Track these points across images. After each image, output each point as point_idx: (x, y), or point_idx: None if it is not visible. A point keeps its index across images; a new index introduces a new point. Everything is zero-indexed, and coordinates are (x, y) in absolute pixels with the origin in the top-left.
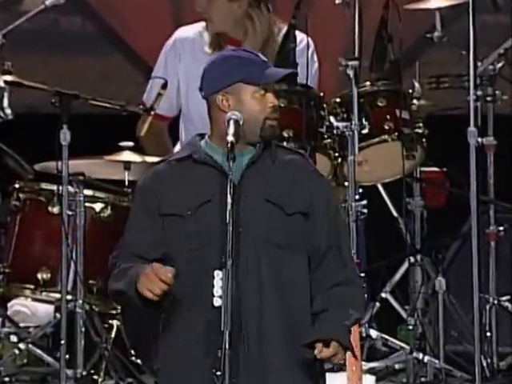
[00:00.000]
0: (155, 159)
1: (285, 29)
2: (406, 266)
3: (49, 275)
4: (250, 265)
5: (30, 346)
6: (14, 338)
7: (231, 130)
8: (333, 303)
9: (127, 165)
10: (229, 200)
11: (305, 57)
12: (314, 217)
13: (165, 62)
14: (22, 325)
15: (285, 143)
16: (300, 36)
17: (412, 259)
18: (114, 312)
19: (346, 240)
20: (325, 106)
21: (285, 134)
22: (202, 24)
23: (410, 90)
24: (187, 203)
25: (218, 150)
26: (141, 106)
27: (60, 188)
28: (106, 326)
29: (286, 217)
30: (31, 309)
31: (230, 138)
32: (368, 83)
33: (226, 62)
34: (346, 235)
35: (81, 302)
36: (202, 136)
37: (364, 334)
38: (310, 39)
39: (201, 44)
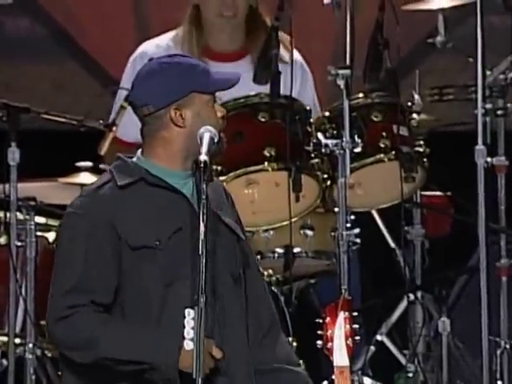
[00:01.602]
0: None
1: None
2: (404, 304)
3: None
4: (226, 302)
5: None
6: None
7: (205, 147)
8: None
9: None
10: (202, 228)
11: (307, 89)
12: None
13: (131, 77)
14: None
15: (266, 163)
16: (294, 56)
17: (411, 296)
18: None
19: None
20: (312, 120)
21: (266, 153)
22: (169, 35)
23: (409, 103)
24: (156, 232)
25: (171, 172)
26: (101, 121)
27: (7, 215)
28: (59, 373)
29: (239, 243)
30: None
31: (204, 157)
32: (361, 95)
33: (172, 70)
34: None
35: (31, 346)
36: (129, 158)
37: (357, 383)
38: (302, 61)
39: None
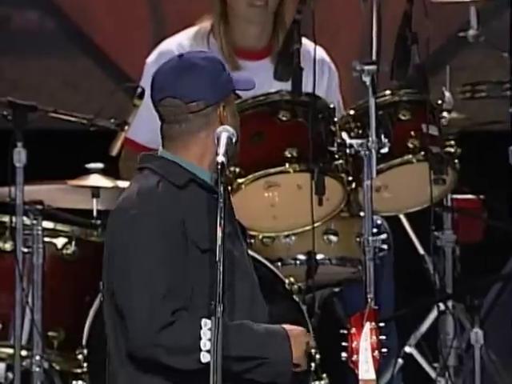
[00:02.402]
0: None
1: None
2: (434, 314)
3: None
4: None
5: None
6: None
7: (222, 148)
8: None
9: (95, 191)
10: (219, 233)
11: (333, 90)
12: None
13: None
14: None
15: (287, 165)
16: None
17: (442, 306)
18: (78, 371)
19: None
20: (336, 119)
21: (287, 154)
22: (190, 33)
23: (439, 101)
24: (214, 236)
25: (206, 174)
26: (112, 120)
27: (13, 219)
28: None
29: (245, 245)
30: None
31: (221, 158)
32: (388, 92)
33: (216, 66)
34: None
35: (38, 358)
36: (161, 157)
37: None
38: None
39: None
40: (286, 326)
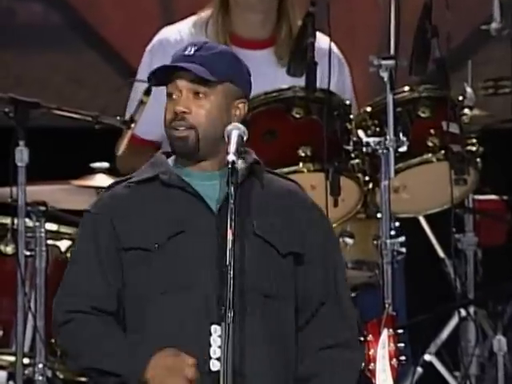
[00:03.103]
0: None
1: None
2: (455, 320)
3: (0, 333)
4: (249, 319)
5: None
6: None
7: (233, 146)
8: (326, 369)
9: (100, 191)
10: (229, 236)
11: (345, 85)
12: (306, 260)
13: (149, 67)
14: None
15: (301, 164)
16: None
17: (463, 312)
18: (83, 379)
19: (347, 289)
20: (352, 116)
21: (300, 153)
22: (190, 21)
23: (461, 97)
24: (153, 234)
25: (193, 172)
26: (118, 118)
27: (15, 221)
28: None
29: (278, 258)
30: None
31: (232, 157)
32: (407, 88)
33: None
34: (345, 283)
35: (41, 366)
36: (168, 154)
37: None
38: (334, 45)
39: None
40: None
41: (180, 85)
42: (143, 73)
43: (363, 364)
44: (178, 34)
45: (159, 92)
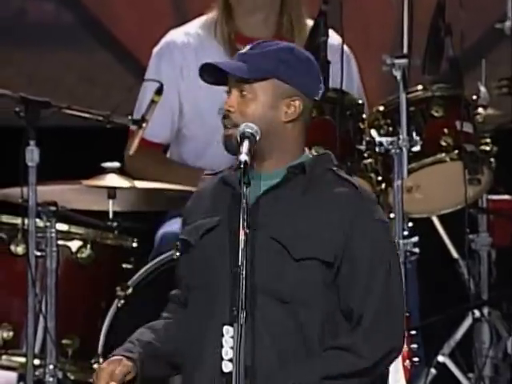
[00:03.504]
0: (148, 185)
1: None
2: (469, 321)
3: (11, 334)
4: (251, 318)
5: None
6: None
7: (245, 146)
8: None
9: (112, 192)
10: (241, 236)
11: (353, 80)
12: (349, 269)
13: (157, 69)
14: None
15: None
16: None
17: (477, 313)
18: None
19: (388, 305)
20: (364, 116)
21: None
22: (198, 22)
23: (474, 96)
24: (195, 229)
25: (254, 172)
26: (130, 117)
27: (25, 221)
28: None
29: (292, 263)
30: None
31: (244, 157)
32: (420, 87)
33: None
34: (400, 297)
35: (52, 367)
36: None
37: None
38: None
39: (205, 51)
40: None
41: (230, 83)
42: (151, 75)
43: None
44: (185, 36)
45: (165, 95)
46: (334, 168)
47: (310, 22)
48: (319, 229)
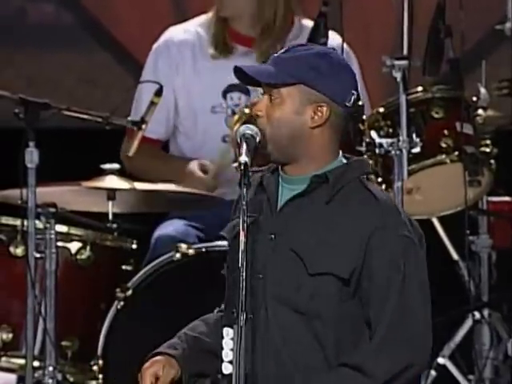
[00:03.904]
0: (148, 186)
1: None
2: (469, 323)
3: (10, 335)
4: (263, 324)
5: None
6: None
7: (245, 147)
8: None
9: (111, 193)
10: (242, 238)
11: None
12: (367, 284)
13: (154, 67)
14: None
15: None
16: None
17: (477, 315)
18: (93, 383)
19: (416, 318)
20: (364, 117)
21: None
22: (198, 21)
23: (475, 98)
24: (234, 227)
25: (283, 176)
26: (129, 118)
27: (25, 223)
28: None
29: (307, 276)
30: None
31: (244, 158)
32: (420, 89)
33: None
34: (420, 312)
35: (51, 369)
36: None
37: None
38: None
39: (202, 48)
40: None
41: (262, 86)
42: (148, 73)
43: None
44: (184, 33)
45: (164, 93)
46: (363, 177)
47: (309, 24)
48: (337, 243)
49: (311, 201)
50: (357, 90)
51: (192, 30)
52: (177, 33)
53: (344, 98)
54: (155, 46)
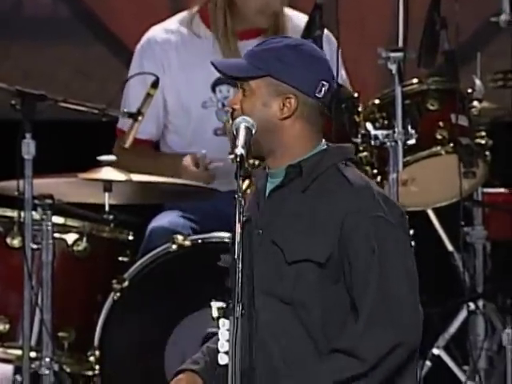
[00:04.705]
0: (144, 178)
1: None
2: (464, 314)
3: (7, 326)
4: (254, 316)
5: None
6: None
7: (241, 139)
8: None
9: (107, 185)
10: (237, 229)
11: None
12: (348, 268)
13: (140, 68)
14: None
15: None
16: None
17: (472, 306)
18: (90, 373)
19: (399, 297)
20: (360, 109)
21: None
22: (177, 18)
23: (470, 90)
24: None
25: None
26: (125, 110)
27: (22, 214)
28: None
29: (287, 266)
30: None
31: (240, 150)
32: (415, 80)
33: None
34: (402, 290)
35: (48, 360)
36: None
37: None
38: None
39: (186, 46)
40: None
41: (238, 81)
42: (134, 71)
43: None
44: (166, 33)
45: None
46: (342, 163)
47: (301, 16)
48: (313, 230)
49: (289, 191)
50: (330, 80)
51: (173, 28)
52: (158, 32)
53: (313, 89)
54: (138, 46)
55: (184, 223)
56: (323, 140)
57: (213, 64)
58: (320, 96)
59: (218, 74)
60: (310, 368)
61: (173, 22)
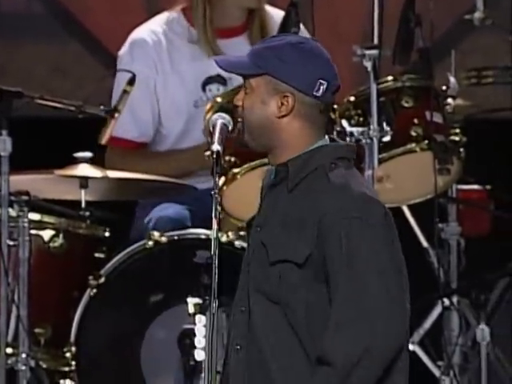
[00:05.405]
0: (122, 175)
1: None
2: (438, 310)
3: None
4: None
5: None
6: None
7: (217, 136)
8: None
9: (84, 181)
10: (214, 226)
11: None
12: (327, 270)
13: (132, 62)
14: None
15: None
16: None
17: (446, 301)
18: (66, 369)
19: (372, 301)
20: (335, 106)
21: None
22: (161, 19)
23: (444, 87)
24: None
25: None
26: (102, 107)
27: None
28: None
29: (270, 266)
30: None
31: (216, 146)
32: (390, 78)
33: None
34: (377, 294)
35: (24, 356)
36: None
37: None
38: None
39: (173, 47)
40: None
41: (243, 78)
42: (124, 63)
43: None
44: (152, 33)
45: (143, 94)
46: (331, 162)
47: (281, 13)
48: (295, 231)
49: (280, 190)
50: (329, 79)
51: (158, 29)
52: (143, 33)
53: (311, 88)
54: (123, 49)
55: (187, 215)
56: (326, 137)
57: (215, 61)
58: (318, 95)
59: (207, 73)
60: None
61: (157, 23)
